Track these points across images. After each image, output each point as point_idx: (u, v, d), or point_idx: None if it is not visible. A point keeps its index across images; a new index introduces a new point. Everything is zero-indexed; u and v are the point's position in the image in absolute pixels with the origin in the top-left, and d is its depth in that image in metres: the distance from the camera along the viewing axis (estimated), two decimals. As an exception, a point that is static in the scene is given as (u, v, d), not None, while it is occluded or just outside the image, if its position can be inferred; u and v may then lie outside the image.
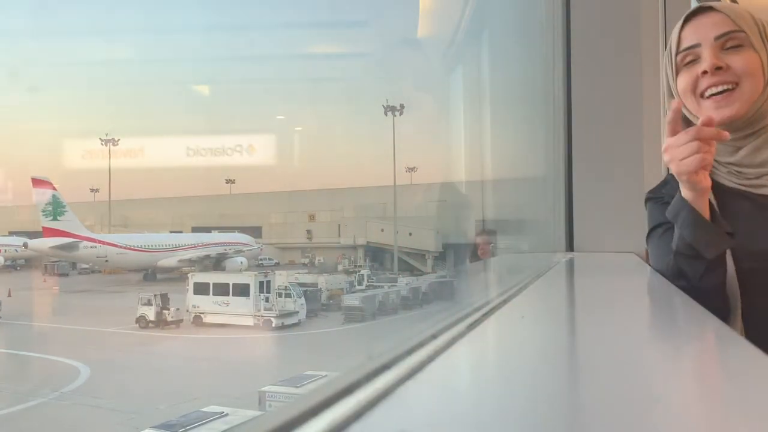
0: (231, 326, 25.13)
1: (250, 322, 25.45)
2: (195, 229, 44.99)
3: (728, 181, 1.52)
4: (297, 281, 29.04)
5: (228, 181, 49.41)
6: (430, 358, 0.65)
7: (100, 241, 36.02)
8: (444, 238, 35.75)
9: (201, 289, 26.52)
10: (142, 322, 25.12)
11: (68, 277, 37.74)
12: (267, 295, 25.91)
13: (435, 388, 0.61)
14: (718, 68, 1.46)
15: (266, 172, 48.24)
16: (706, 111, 1.46)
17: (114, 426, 14.99)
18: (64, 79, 46.15)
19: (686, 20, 1.55)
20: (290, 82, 48.17)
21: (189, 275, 28.47)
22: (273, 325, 25.15)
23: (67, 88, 47.07)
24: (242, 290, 26.08)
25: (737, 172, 1.51)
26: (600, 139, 2.23)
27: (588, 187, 2.24)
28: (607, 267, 1.94)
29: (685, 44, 1.53)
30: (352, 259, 42.34)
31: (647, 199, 1.66)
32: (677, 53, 1.54)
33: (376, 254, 42.16)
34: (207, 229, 43.63)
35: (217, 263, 36.74)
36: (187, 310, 26.10)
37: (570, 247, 2.23)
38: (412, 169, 43.70)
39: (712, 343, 0.87)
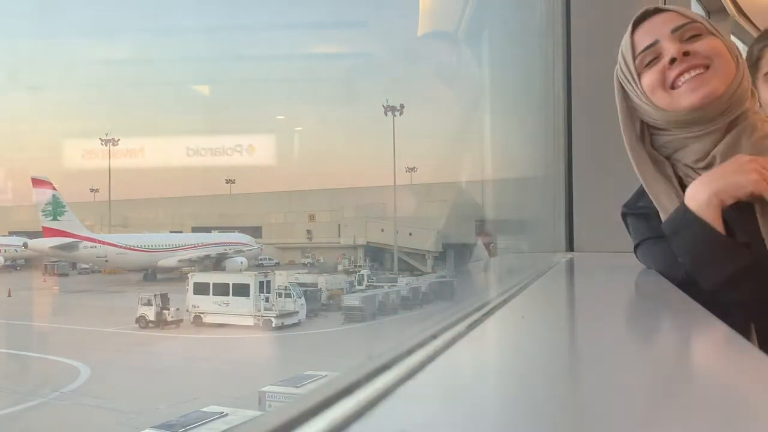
0: (231, 326, 25.12)
1: (250, 322, 25.44)
2: (195, 229, 44.97)
3: None
4: (297, 281, 29.03)
5: (228, 181, 49.39)
6: (430, 358, 0.65)
7: (100, 241, 36.00)
8: (444, 238, 35.75)
9: (201, 289, 26.51)
10: (142, 322, 25.11)
11: (68, 277, 37.71)
12: (267, 295, 25.90)
13: (435, 388, 0.61)
14: (686, 53, 1.38)
15: (266, 172, 48.21)
16: (683, 97, 1.39)
17: (114, 426, 14.99)
18: (64, 79, 46.13)
19: (635, 25, 1.49)
20: (290, 82, 48.15)
21: (189, 275, 28.46)
22: (273, 325, 25.14)
23: (67, 88, 47.07)
24: (242, 290, 26.07)
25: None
26: (600, 138, 2.23)
27: (588, 187, 2.24)
28: (607, 267, 1.93)
29: (641, 45, 1.46)
30: (352, 259, 42.31)
31: (624, 214, 1.60)
32: (635, 58, 1.47)
33: (376, 254, 42.14)
34: (207, 229, 43.61)
35: (217, 263, 36.72)
36: (187, 310, 26.09)
37: (570, 247, 2.23)
38: (412, 169, 43.71)
39: (714, 344, 0.87)
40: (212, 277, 28.38)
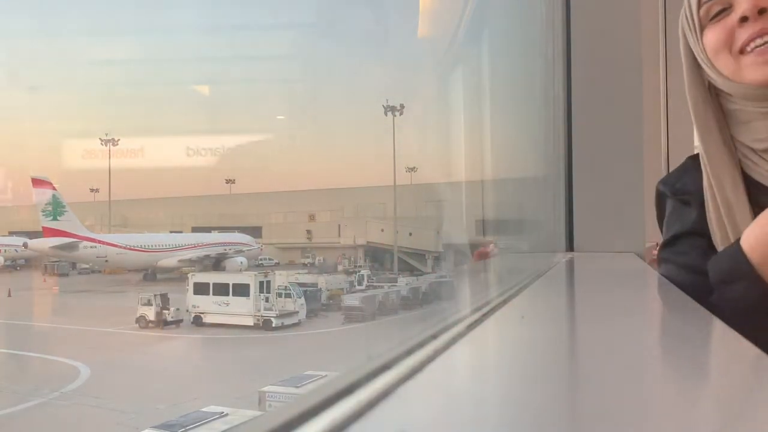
0: (231, 326, 25.14)
1: (250, 322, 25.45)
2: (195, 229, 45.01)
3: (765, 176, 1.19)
4: (297, 281, 29.05)
5: (228, 181, 49.42)
6: (430, 358, 0.64)
7: (100, 241, 36.03)
8: (444, 238, 35.77)
9: (201, 289, 26.53)
10: (142, 322, 25.12)
11: (68, 277, 37.74)
12: (267, 295, 25.92)
13: (435, 388, 0.61)
14: (762, 11, 1.14)
15: (266, 172, 48.25)
16: (749, 69, 1.16)
17: (114, 426, 14.99)
18: (64, 79, 46.15)
19: None
20: (290, 82, 48.19)
21: (189, 275, 28.48)
22: (273, 325, 25.15)
23: (67, 88, 47.10)
24: (242, 290, 26.08)
25: None
26: (600, 138, 2.22)
27: (588, 186, 2.24)
28: (607, 267, 1.93)
29: None
30: (352, 259, 42.34)
31: (662, 194, 1.34)
32: (699, 6, 1.22)
33: (376, 254, 42.16)
34: (207, 229, 43.65)
35: (217, 263, 36.75)
36: (187, 310, 26.10)
37: (570, 247, 2.23)
38: (412, 169, 43.71)
39: (715, 345, 0.87)
40: (212, 277, 28.41)
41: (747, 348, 0.74)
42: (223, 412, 13.63)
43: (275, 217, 48.14)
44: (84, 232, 35.32)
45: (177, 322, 25.71)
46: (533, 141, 2.64)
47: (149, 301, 25.50)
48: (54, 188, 33.89)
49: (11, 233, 40.84)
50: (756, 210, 1.16)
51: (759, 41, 1.14)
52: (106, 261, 36.29)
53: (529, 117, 2.71)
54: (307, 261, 43.54)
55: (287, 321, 25.53)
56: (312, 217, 47.41)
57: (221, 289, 26.32)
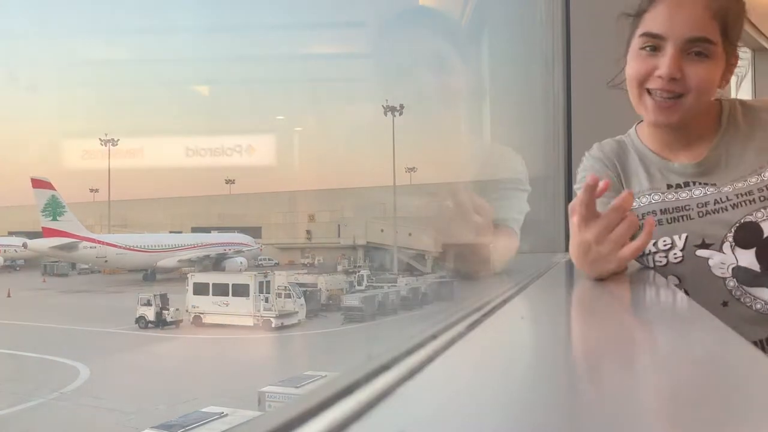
0: (230, 326, 25.11)
1: (249, 322, 25.43)
2: (194, 230, 44.97)
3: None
4: (297, 281, 29.02)
5: (228, 181, 49.38)
6: (430, 359, 0.64)
7: (99, 242, 35.99)
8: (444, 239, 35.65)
9: (200, 289, 26.50)
10: (141, 322, 25.10)
11: (68, 278, 37.71)
12: (267, 295, 25.89)
13: (435, 388, 0.60)
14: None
15: (266, 172, 48.22)
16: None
17: (113, 426, 14.99)
18: (64, 79, 46.13)
19: None
20: (290, 82, 48.17)
21: (188, 275, 28.46)
22: (272, 325, 25.13)
23: (67, 88, 47.07)
24: (242, 290, 26.06)
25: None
26: (600, 138, 2.22)
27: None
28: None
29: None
30: (352, 259, 42.29)
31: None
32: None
33: (376, 254, 42.13)
34: (206, 230, 43.62)
35: (216, 263, 36.72)
36: (187, 311, 26.07)
37: (570, 247, 2.23)
38: (411, 170, 43.67)
39: (714, 345, 0.87)
40: (212, 278, 28.36)
41: (748, 348, 0.74)
42: (222, 413, 13.62)
43: (275, 218, 48.12)
44: (83, 233, 35.29)
45: (177, 323, 25.68)
46: (533, 141, 2.64)
47: (149, 301, 25.47)
48: (53, 188, 33.87)
49: (11, 233, 40.80)
50: None
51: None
52: (106, 261, 36.27)
53: (529, 117, 2.71)
54: (306, 261, 43.51)
55: (287, 321, 25.50)
56: (312, 218, 47.39)
57: (221, 290, 26.30)
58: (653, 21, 1.44)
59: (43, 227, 33.86)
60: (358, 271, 34.51)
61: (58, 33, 44.35)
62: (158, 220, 46.46)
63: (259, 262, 41.04)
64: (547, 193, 2.46)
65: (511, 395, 0.57)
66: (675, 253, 1.48)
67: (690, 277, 1.48)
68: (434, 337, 0.74)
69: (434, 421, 0.50)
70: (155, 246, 37.47)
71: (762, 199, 1.43)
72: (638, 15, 1.48)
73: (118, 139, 39.76)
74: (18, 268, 39.67)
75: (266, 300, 25.75)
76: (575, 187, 1.72)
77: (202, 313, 25.93)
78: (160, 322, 25.06)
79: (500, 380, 0.64)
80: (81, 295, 32.34)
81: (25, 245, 35.73)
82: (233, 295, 26.07)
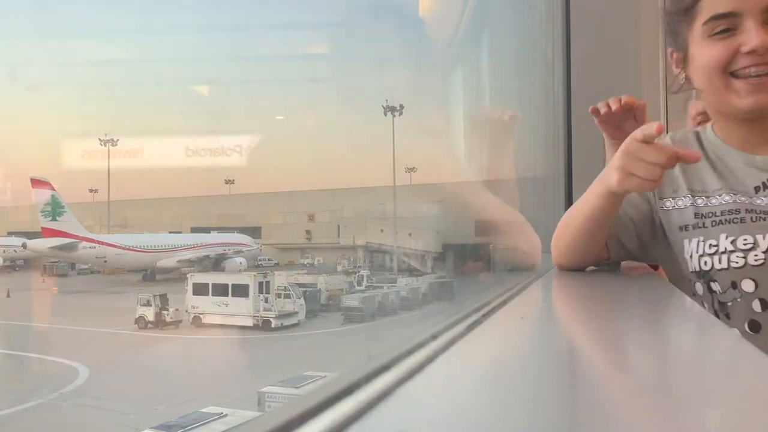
0: (230, 327, 25.12)
1: (249, 322, 25.43)
2: (194, 230, 44.97)
3: None
4: (296, 282, 29.02)
5: (227, 181, 49.39)
6: (430, 359, 0.64)
7: (99, 242, 35.99)
8: (444, 239, 35.73)
9: (200, 289, 26.50)
10: (141, 322, 25.09)
11: (67, 278, 37.71)
12: (266, 295, 25.89)
13: (435, 388, 0.60)
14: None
15: (266, 172, 48.24)
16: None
17: (113, 427, 14.99)
18: (64, 79, 46.13)
19: None
20: (290, 82, 48.18)
21: (188, 275, 28.45)
22: (272, 325, 25.13)
23: (67, 88, 47.07)
24: (241, 291, 26.06)
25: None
26: (600, 138, 2.22)
27: (587, 187, 2.24)
28: (607, 267, 1.93)
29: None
30: (352, 259, 42.31)
31: None
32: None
33: (376, 255, 42.14)
34: (206, 230, 43.62)
35: (216, 264, 36.73)
36: (187, 311, 26.07)
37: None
38: (411, 170, 43.70)
39: (715, 345, 0.87)
40: (211, 278, 28.36)
41: (749, 349, 0.74)
42: (222, 413, 13.62)
43: (275, 218, 48.13)
44: (83, 233, 35.28)
45: (176, 323, 25.68)
46: (533, 141, 2.64)
47: (148, 301, 25.47)
48: (53, 188, 33.86)
49: (10, 234, 40.79)
50: None
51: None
52: (105, 261, 36.27)
53: (529, 117, 2.71)
54: (306, 261, 43.52)
55: (286, 321, 25.50)
56: (311, 218, 47.41)
57: (220, 290, 26.30)
58: (717, 2, 1.29)
59: (42, 227, 33.86)
60: (358, 272, 34.53)
61: (58, 33, 44.35)
62: (158, 220, 46.47)
63: (259, 263, 41.05)
64: (547, 193, 2.46)
65: (510, 395, 0.57)
66: (756, 255, 1.30)
67: None
68: (434, 337, 0.73)
69: (434, 421, 0.50)
70: (155, 246, 37.47)
71: None
72: (690, 6, 1.33)
73: (118, 139, 39.79)
74: (18, 268, 39.67)
75: (266, 300, 25.75)
76: None
77: (202, 314, 25.93)
78: (159, 323, 25.06)
79: (500, 380, 0.64)
80: (80, 296, 32.33)
81: (24, 245, 35.73)
82: (233, 295, 26.07)
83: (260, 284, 26.17)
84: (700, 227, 1.37)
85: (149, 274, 37.08)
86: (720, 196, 1.37)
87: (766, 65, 1.24)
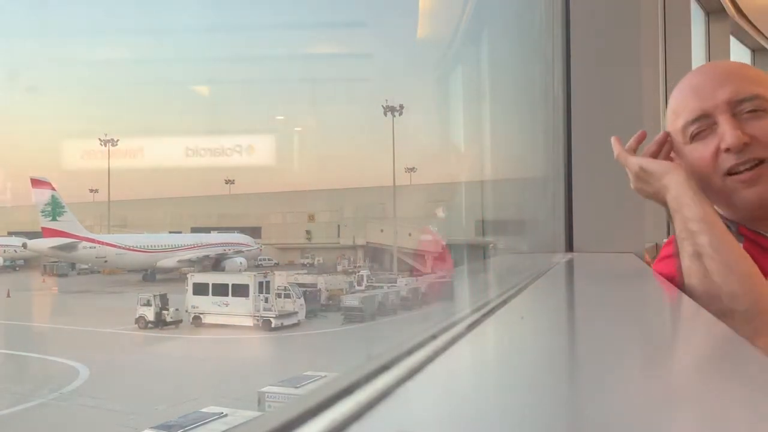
0: (230, 327, 25.12)
1: (249, 322, 25.44)
2: (194, 230, 44.98)
3: None
4: (296, 281, 29.03)
5: (227, 182, 49.39)
6: (430, 359, 0.64)
7: (99, 242, 36.01)
8: (444, 239, 35.75)
9: (200, 289, 26.51)
10: (141, 322, 25.11)
11: (67, 278, 37.72)
12: (266, 295, 25.90)
13: (435, 388, 0.60)
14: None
15: (266, 172, 48.24)
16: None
17: (113, 426, 14.99)
18: (64, 79, 46.15)
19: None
20: (290, 82, 48.21)
21: (188, 275, 28.46)
22: (272, 325, 25.14)
23: (67, 88, 47.09)
24: (241, 291, 26.06)
25: None
26: (599, 138, 2.23)
27: (588, 187, 2.24)
28: (607, 267, 1.93)
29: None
30: (352, 259, 42.32)
31: None
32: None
33: (376, 254, 42.14)
34: (206, 230, 43.63)
35: (216, 264, 36.74)
36: (187, 311, 26.08)
37: (569, 247, 2.23)
38: (411, 170, 43.70)
39: (715, 345, 0.87)
40: (211, 278, 28.38)
41: (749, 349, 0.74)
42: (222, 413, 13.63)
43: (275, 218, 48.14)
44: (83, 233, 35.30)
45: (176, 323, 25.68)
46: (533, 141, 2.64)
47: (148, 301, 25.48)
48: (53, 189, 33.87)
49: (10, 234, 40.81)
50: None
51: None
52: (106, 261, 36.29)
53: (529, 117, 2.71)
54: (306, 261, 43.53)
55: (286, 321, 25.51)
56: (311, 218, 47.42)
57: (220, 290, 26.30)
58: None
59: (42, 227, 33.87)
60: (358, 272, 34.55)
61: (58, 33, 44.37)
62: (158, 220, 46.46)
63: (259, 262, 41.05)
64: (547, 193, 2.46)
65: (510, 395, 0.57)
66: None
67: None
68: (434, 337, 0.73)
69: (434, 421, 0.50)
70: (155, 246, 37.48)
71: None
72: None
73: (118, 140, 39.79)
74: (18, 268, 39.67)
75: (266, 300, 25.76)
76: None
77: (202, 313, 25.94)
78: (159, 322, 25.07)
79: (500, 380, 0.64)
80: (81, 296, 32.33)
81: (25, 245, 35.75)
82: (233, 295, 26.08)
83: (260, 284, 26.18)
84: None
85: (149, 274, 37.09)
86: None
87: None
